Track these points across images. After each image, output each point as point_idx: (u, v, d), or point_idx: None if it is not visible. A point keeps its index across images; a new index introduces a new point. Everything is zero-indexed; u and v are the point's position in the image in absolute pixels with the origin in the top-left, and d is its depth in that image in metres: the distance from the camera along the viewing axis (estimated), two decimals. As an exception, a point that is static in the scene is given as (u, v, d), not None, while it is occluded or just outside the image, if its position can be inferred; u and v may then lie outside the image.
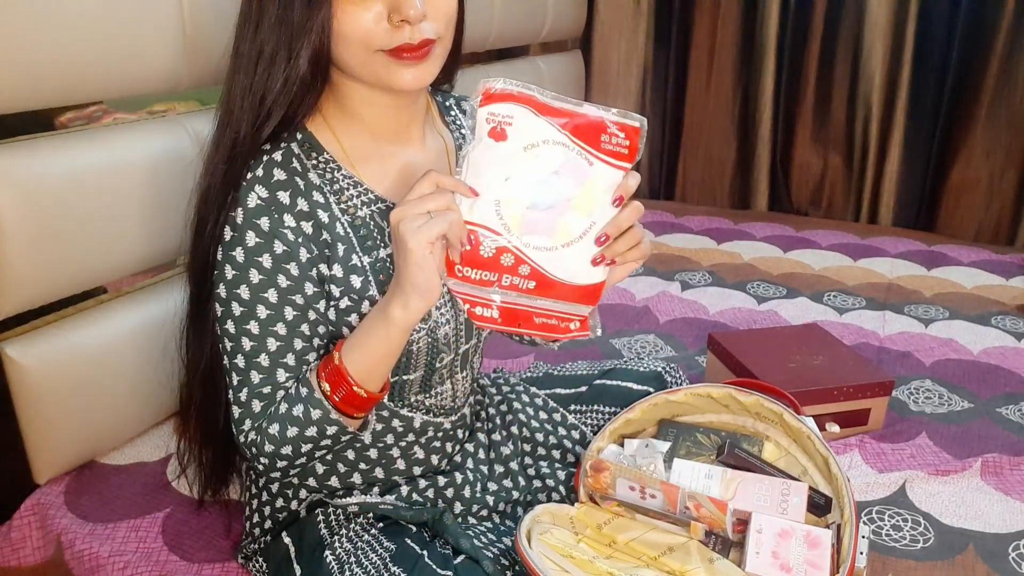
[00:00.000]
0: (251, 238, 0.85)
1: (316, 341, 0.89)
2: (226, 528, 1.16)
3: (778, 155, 2.87)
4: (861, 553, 0.89)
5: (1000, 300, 2.06)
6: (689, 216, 2.80)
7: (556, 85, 2.67)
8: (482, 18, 2.21)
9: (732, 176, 2.97)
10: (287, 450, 0.87)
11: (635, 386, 1.20)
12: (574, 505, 0.97)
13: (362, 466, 0.99)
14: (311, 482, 0.99)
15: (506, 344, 1.64)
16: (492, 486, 1.05)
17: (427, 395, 0.98)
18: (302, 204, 0.87)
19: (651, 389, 1.17)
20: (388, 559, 0.89)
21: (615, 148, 0.81)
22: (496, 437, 1.10)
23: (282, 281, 0.86)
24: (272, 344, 0.87)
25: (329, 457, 0.98)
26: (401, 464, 1.01)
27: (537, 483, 1.09)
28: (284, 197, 0.86)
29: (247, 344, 0.87)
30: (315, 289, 0.88)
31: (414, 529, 0.94)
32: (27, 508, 1.19)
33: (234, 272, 0.86)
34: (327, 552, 0.91)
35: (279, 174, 0.87)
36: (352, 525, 0.95)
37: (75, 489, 1.23)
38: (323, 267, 0.88)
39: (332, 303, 0.89)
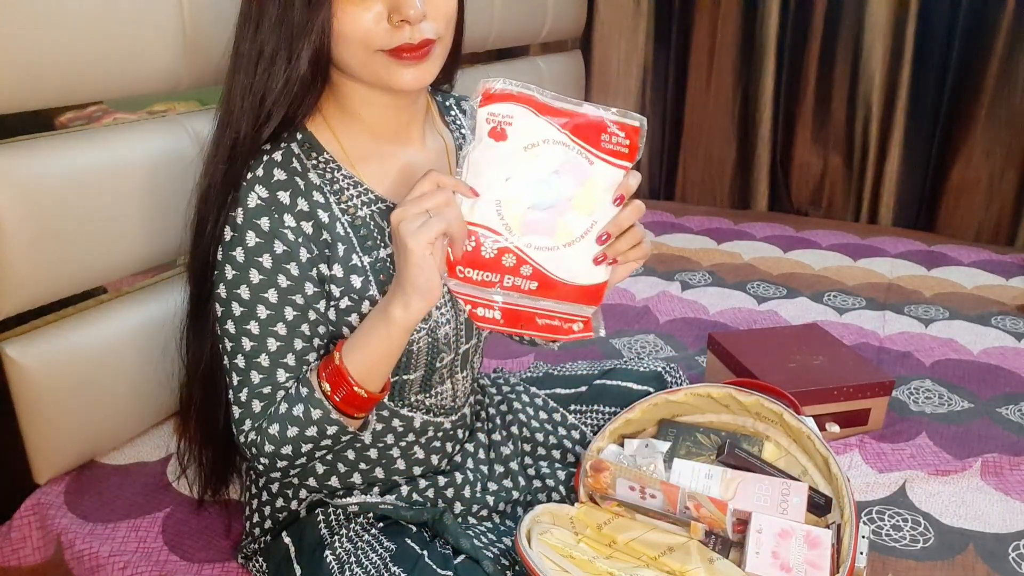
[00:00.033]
0: (251, 238, 0.85)
1: (316, 341, 0.89)
2: (226, 528, 1.16)
3: (778, 155, 2.87)
4: (861, 553, 0.89)
5: (1000, 300, 2.06)
6: (689, 216, 2.80)
7: (556, 85, 2.67)
8: (482, 18, 2.21)
9: (732, 176, 2.97)
10: (287, 450, 0.87)
11: (635, 386, 1.20)
12: (574, 505, 0.97)
13: (362, 466, 0.99)
14: (311, 482, 0.99)
15: (506, 344, 1.64)
16: (492, 486, 1.05)
17: (427, 395, 0.98)
18: (302, 204, 0.87)
19: (651, 389, 1.17)
20: (388, 559, 0.89)
21: (615, 147, 0.81)
22: (496, 437, 1.10)
23: (282, 281, 0.86)
24: (272, 344, 0.87)
25: (329, 457, 0.98)
26: (401, 464, 1.01)
27: (537, 483, 1.09)
28: (284, 197, 0.86)
29: (247, 344, 0.87)
30: (315, 289, 0.88)
31: (414, 529, 0.94)
32: (27, 508, 1.19)
33: (234, 272, 0.86)
34: (327, 552, 0.91)
35: (279, 174, 0.87)
36: (352, 525, 0.95)
37: (75, 489, 1.23)
38: (323, 267, 0.88)
39: (332, 303, 0.89)
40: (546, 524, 0.93)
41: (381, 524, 0.95)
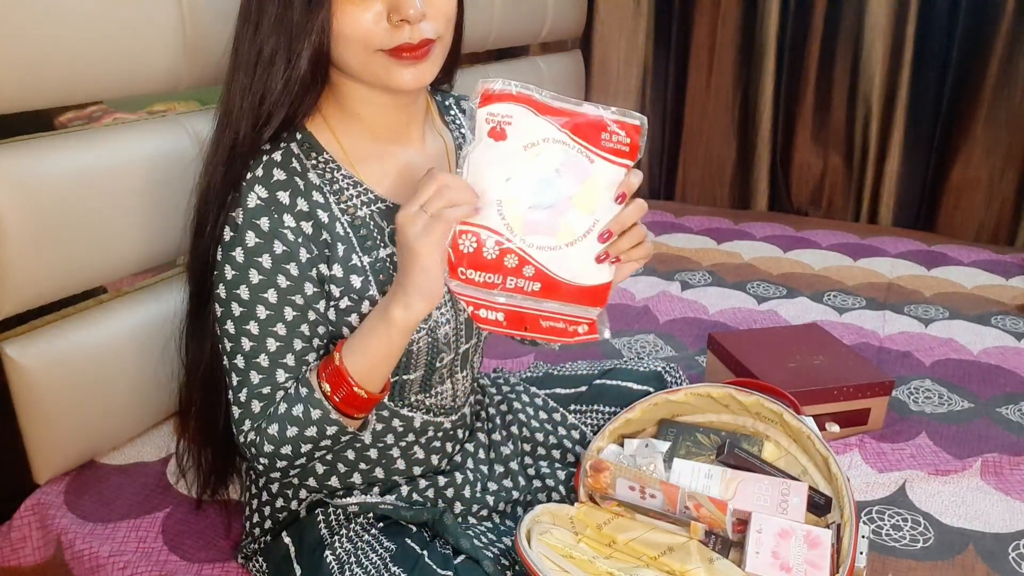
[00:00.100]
0: (251, 238, 0.85)
1: (316, 341, 0.89)
2: (226, 528, 1.16)
3: (778, 155, 2.87)
4: (861, 553, 0.89)
5: (1000, 300, 2.06)
6: (689, 216, 2.80)
7: (556, 85, 2.67)
8: (482, 18, 2.21)
9: (732, 176, 2.97)
10: (287, 450, 0.87)
11: (635, 386, 1.20)
12: (574, 505, 0.97)
13: (362, 466, 0.99)
14: (311, 482, 0.99)
15: (506, 344, 1.64)
16: (492, 486, 1.05)
17: (427, 395, 0.98)
18: (302, 204, 0.87)
19: (651, 389, 1.17)
20: (388, 559, 0.89)
21: (615, 146, 0.80)
22: (496, 437, 1.10)
23: (282, 281, 0.86)
24: (272, 344, 0.87)
25: (329, 457, 0.98)
26: (401, 464, 1.01)
27: (537, 483, 1.09)
28: (284, 197, 0.86)
29: (247, 344, 0.87)
30: (315, 289, 0.88)
31: (414, 529, 0.94)
32: (27, 508, 1.19)
33: (234, 272, 0.86)
34: (327, 552, 0.91)
35: (279, 174, 0.87)
36: (352, 525, 0.95)
37: (75, 489, 1.23)
38: (323, 267, 0.88)
39: (332, 303, 0.89)
40: (546, 524, 0.93)
41: (381, 524, 0.95)
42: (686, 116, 2.99)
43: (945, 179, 2.65)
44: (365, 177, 0.92)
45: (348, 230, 0.90)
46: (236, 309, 0.86)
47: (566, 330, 0.85)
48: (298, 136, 0.90)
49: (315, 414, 0.85)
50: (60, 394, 1.19)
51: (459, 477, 1.03)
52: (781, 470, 0.98)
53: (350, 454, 0.98)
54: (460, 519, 1.02)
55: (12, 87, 1.07)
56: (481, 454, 1.08)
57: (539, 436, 1.13)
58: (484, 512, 1.04)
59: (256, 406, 0.87)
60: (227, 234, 0.86)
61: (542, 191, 0.80)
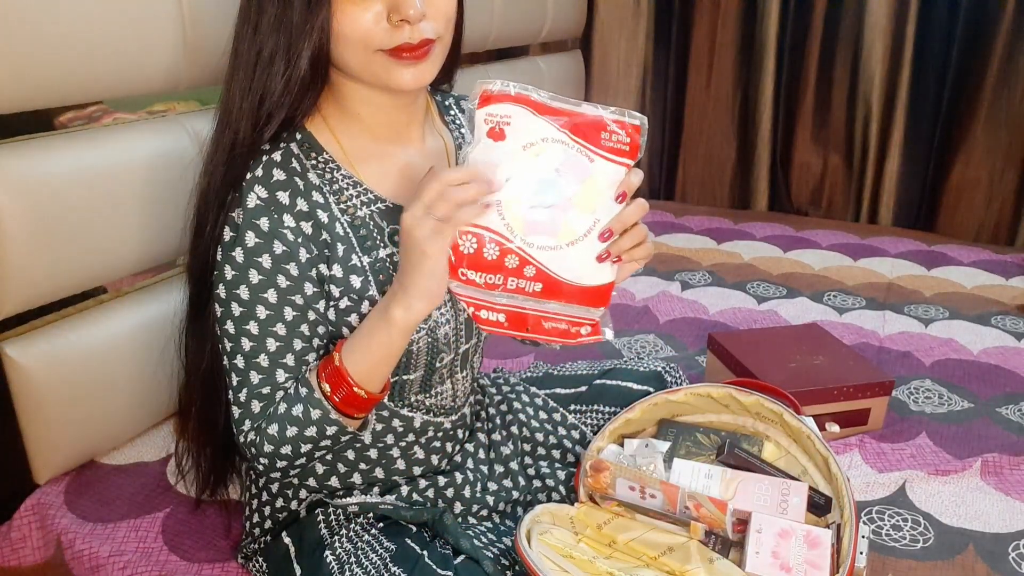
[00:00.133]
0: (250, 238, 0.85)
1: (316, 341, 0.89)
2: (226, 528, 1.16)
3: (778, 155, 2.87)
4: (861, 553, 0.89)
5: (1000, 300, 2.06)
6: (689, 216, 2.80)
7: (556, 85, 2.67)
8: (482, 18, 2.21)
9: (732, 176, 2.97)
10: (286, 450, 0.87)
11: (635, 386, 1.20)
12: (574, 505, 0.97)
13: (362, 466, 0.99)
14: (311, 482, 0.99)
15: (506, 344, 1.64)
16: (492, 486, 1.05)
17: (427, 395, 0.98)
18: (301, 204, 0.87)
19: (651, 389, 1.17)
20: (388, 559, 0.89)
21: (615, 145, 0.80)
22: (496, 437, 1.10)
23: (281, 281, 0.86)
24: (271, 344, 0.87)
25: (329, 457, 0.98)
26: (401, 464, 1.01)
27: (537, 483, 1.09)
28: (283, 197, 0.86)
29: (246, 344, 0.87)
30: (315, 289, 0.88)
31: (414, 529, 0.94)
32: (27, 508, 1.19)
33: (233, 272, 0.86)
34: (327, 552, 0.91)
35: (278, 174, 0.87)
36: (352, 525, 0.95)
37: (75, 489, 1.23)
38: (323, 267, 0.88)
39: (332, 303, 0.89)
40: (546, 524, 0.93)
41: (381, 524, 0.95)
42: (686, 116, 2.99)
43: (945, 179, 2.65)
44: (365, 177, 0.92)
45: (348, 230, 0.90)
46: (236, 309, 0.86)
47: (568, 331, 0.85)
48: (298, 136, 0.90)
49: (315, 414, 0.85)
50: (60, 394, 1.19)
51: (459, 477, 1.03)
52: (781, 470, 0.98)
53: (350, 454, 0.98)
54: (460, 519, 1.02)
55: (12, 87, 1.07)
56: (481, 454, 1.08)
57: (539, 436, 1.13)
58: (484, 512, 1.04)
59: (256, 406, 0.87)
60: (227, 234, 0.86)
61: (542, 191, 0.80)
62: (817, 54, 2.73)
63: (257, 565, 1.03)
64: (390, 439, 0.98)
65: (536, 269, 0.81)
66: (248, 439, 0.88)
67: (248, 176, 0.86)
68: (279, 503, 1.01)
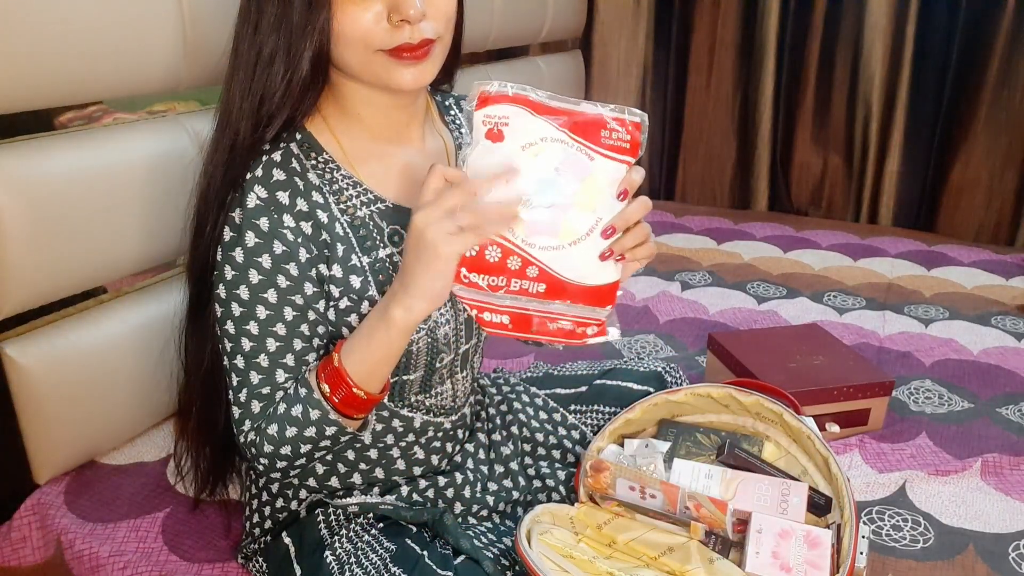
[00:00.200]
0: (250, 238, 0.85)
1: (316, 341, 0.89)
2: (226, 528, 1.16)
3: (778, 155, 2.87)
4: (861, 553, 0.89)
5: (1000, 300, 2.06)
6: (689, 216, 2.80)
7: (556, 85, 2.67)
8: (482, 18, 2.21)
9: (732, 176, 2.97)
10: (286, 450, 0.87)
11: (635, 386, 1.20)
12: (574, 505, 0.97)
13: (362, 466, 0.99)
14: (311, 482, 0.99)
15: (506, 344, 1.64)
16: (492, 486, 1.05)
17: (427, 395, 0.98)
18: (301, 204, 0.87)
19: (651, 389, 1.17)
20: (388, 559, 0.89)
21: (616, 143, 0.80)
22: (496, 437, 1.10)
23: (281, 281, 0.86)
24: (271, 344, 0.87)
25: (329, 457, 0.98)
26: (401, 464, 1.01)
27: (537, 483, 1.09)
28: (283, 197, 0.86)
29: (246, 344, 0.87)
30: (314, 289, 0.88)
31: (414, 529, 0.94)
32: (27, 508, 1.19)
33: (233, 272, 0.86)
34: (327, 552, 0.91)
35: (278, 174, 0.87)
36: (352, 525, 0.95)
37: (75, 489, 1.23)
38: (322, 267, 0.88)
39: (331, 303, 0.89)
40: (546, 524, 0.93)
41: (381, 524, 0.95)
42: (686, 116, 2.99)
43: (945, 179, 2.65)
44: (365, 177, 0.92)
45: (348, 230, 0.90)
46: (236, 309, 0.86)
47: (575, 331, 0.84)
48: (298, 136, 0.90)
49: (314, 415, 0.85)
50: (60, 394, 1.19)
51: (459, 477, 1.03)
52: (781, 470, 0.98)
53: (350, 454, 0.98)
54: (460, 519, 1.02)
55: (12, 87, 1.07)
56: (481, 454, 1.08)
57: (539, 436, 1.13)
58: (484, 512, 1.03)
59: (256, 406, 0.87)
60: (227, 234, 0.86)
61: (542, 191, 0.80)
62: (817, 54, 2.73)
63: (257, 565, 1.03)
64: (390, 439, 0.98)
65: (539, 270, 0.81)
66: (248, 439, 0.88)
67: (248, 176, 0.86)
68: (279, 503, 1.01)
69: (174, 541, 1.14)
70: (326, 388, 0.85)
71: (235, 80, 0.87)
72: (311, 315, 0.88)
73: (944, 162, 2.63)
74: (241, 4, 0.86)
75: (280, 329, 0.86)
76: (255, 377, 0.87)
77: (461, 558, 0.89)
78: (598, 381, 1.22)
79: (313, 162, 0.90)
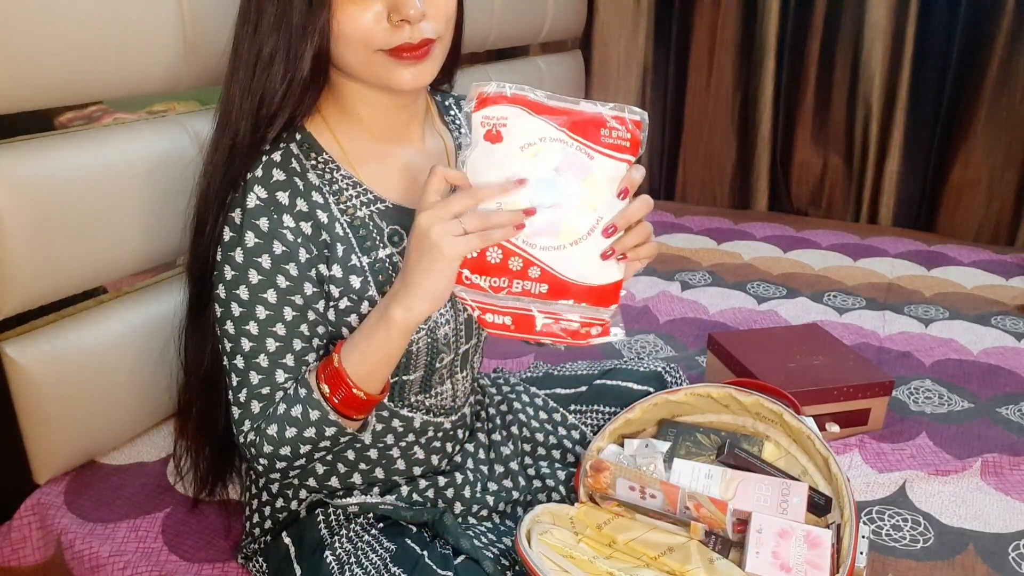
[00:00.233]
0: (250, 239, 0.85)
1: (315, 342, 0.89)
2: (226, 528, 1.16)
3: (778, 155, 2.87)
4: (861, 553, 0.89)
5: (1000, 300, 2.06)
6: (689, 216, 2.80)
7: (556, 85, 2.67)
8: (482, 18, 2.21)
9: (732, 176, 2.97)
10: (286, 451, 0.87)
11: (635, 386, 1.20)
12: (574, 505, 0.97)
13: (362, 466, 0.99)
14: (311, 482, 0.99)
15: (506, 344, 1.64)
16: (492, 486, 1.05)
17: (427, 395, 0.98)
18: (301, 204, 0.87)
19: (651, 389, 1.17)
20: (388, 559, 0.89)
21: (616, 141, 0.80)
22: (496, 437, 1.10)
23: (281, 282, 0.86)
24: (271, 345, 0.87)
25: (329, 457, 0.98)
26: (401, 464, 1.01)
27: (537, 483, 1.09)
28: (283, 197, 0.86)
29: (246, 345, 0.87)
30: (314, 290, 0.88)
31: (414, 529, 0.94)
32: (27, 508, 1.19)
33: (233, 273, 0.86)
34: (327, 552, 0.91)
35: (278, 175, 0.87)
36: (352, 525, 0.95)
37: (75, 489, 1.23)
38: (322, 267, 0.88)
39: (331, 304, 0.89)
40: (546, 524, 0.93)
41: (381, 524, 0.95)
42: (686, 116, 2.99)
43: (945, 179, 2.65)
44: (365, 177, 0.92)
45: (347, 230, 0.90)
46: (236, 309, 0.86)
47: (579, 331, 0.83)
48: (297, 136, 0.90)
49: (314, 415, 0.85)
50: (60, 394, 1.19)
51: (459, 477, 1.03)
52: (781, 470, 0.98)
53: (350, 454, 0.98)
54: (460, 519, 1.02)
55: (12, 87, 1.07)
56: (481, 454, 1.08)
57: (539, 436, 1.13)
58: (484, 512, 1.03)
59: (256, 406, 0.87)
60: (227, 234, 0.86)
61: (542, 191, 0.80)
62: (817, 54, 2.73)
63: (257, 565, 1.03)
64: (390, 439, 0.98)
65: (541, 270, 0.81)
66: (248, 439, 0.88)
67: (248, 176, 0.86)
68: (279, 503, 1.01)
69: (174, 541, 1.14)
70: (326, 389, 0.85)
71: (235, 80, 0.87)
72: (311, 315, 0.88)
73: (944, 162, 2.63)
74: (241, 4, 0.86)
75: (280, 329, 0.86)
76: (255, 377, 0.87)
77: (461, 558, 0.89)
78: (598, 381, 1.22)
79: (313, 162, 0.90)
